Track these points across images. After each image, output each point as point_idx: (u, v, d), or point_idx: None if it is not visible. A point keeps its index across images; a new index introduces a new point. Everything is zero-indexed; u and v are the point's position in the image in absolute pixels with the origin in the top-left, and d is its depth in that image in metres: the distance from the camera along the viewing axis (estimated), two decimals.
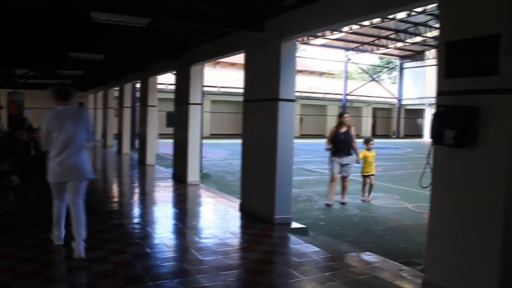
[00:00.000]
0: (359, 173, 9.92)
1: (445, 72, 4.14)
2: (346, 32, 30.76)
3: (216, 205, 8.52)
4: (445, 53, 4.16)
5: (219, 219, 7.44)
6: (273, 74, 6.85)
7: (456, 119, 3.90)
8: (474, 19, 3.92)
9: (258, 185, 7.25)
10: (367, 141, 10.06)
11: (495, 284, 3.75)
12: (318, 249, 5.61)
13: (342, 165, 9.03)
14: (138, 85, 18.60)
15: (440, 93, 4.21)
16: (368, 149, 9.80)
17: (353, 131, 9.15)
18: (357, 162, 9.38)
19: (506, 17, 3.67)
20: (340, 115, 9.44)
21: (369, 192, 9.69)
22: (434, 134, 4.13)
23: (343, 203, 9.13)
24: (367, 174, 9.70)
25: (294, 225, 6.75)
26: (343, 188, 9.26)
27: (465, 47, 3.97)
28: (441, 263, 4.23)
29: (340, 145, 8.97)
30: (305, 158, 17.30)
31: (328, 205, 8.90)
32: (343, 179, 9.17)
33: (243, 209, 7.61)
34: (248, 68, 7.79)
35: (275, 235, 6.24)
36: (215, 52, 9.40)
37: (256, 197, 7.32)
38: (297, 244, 5.86)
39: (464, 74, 3.98)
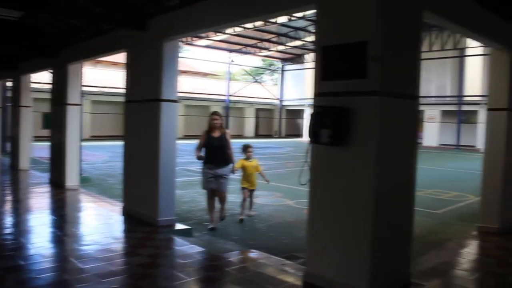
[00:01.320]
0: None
1: (322, 75, 4.39)
2: (230, 34, 31.24)
3: (97, 210, 8.16)
4: (321, 57, 4.41)
5: (101, 224, 7.15)
6: (156, 74, 6.75)
7: (331, 119, 4.15)
8: (347, 27, 4.21)
9: (141, 187, 7.09)
10: (245, 149, 8.19)
11: (367, 273, 4.06)
12: (203, 249, 5.63)
13: (216, 177, 7.09)
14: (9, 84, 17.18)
15: (317, 94, 4.45)
16: (247, 158, 8.06)
17: (228, 136, 7.28)
18: (233, 172, 7.45)
19: (373, 26, 3.99)
20: (211, 116, 7.30)
21: (250, 208, 8.16)
22: (312, 133, 4.36)
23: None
24: (247, 188, 7.99)
25: (179, 226, 6.72)
26: (220, 202, 7.39)
27: (339, 52, 4.24)
28: (320, 255, 4.47)
29: (213, 153, 7.10)
30: (188, 159, 17.18)
31: (212, 229, 7.03)
32: (217, 193, 7.23)
33: (126, 212, 7.39)
34: (130, 67, 7.58)
35: (160, 237, 6.15)
36: (95, 50, 9.00)
37: (139, 200, 7.15)
38: (181, 245, 5.83)
39: (338, 77, 4.25)
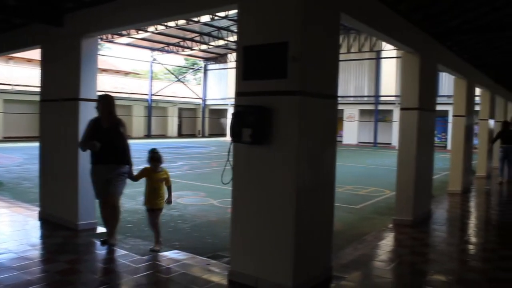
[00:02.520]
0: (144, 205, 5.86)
1: (243, 75, 4.44)
2: (152, 32, 30.69)
3: (11, 216, 7.69)
4: (242, 56, 4.46)
5: (16, 231, 6.74)
6: (73, 72, 6.50)
7: (252, 119, 4.22)
8: (267, 27, 4.29)
9: (59, 190, 6.80)
10: (152, 154, 5.77)
11: (290, 269, 4.17)
12: (126, 252, 5.49)
13: (105, 181, 5.63)
14: None
15: (239, 94, 4.49)
16: (154, 168, 5.75)
17: (124, 128, 5.77)
18: (132, 178, 5.84)
19: (292, 28, 4.09)
20: (100, 99, 5.86)
21: (157, 238, 5.76)
22: (233, 132, 4.40)
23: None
24: (152, 208, 5.73)
25: (100, 230, 6.50)
26: (110, 218, 5.76)
27: (260, 52, 4.31)
28: (244, 253, 4.53)
29: (101, 148, 5.53)
30: None
31: (103, 243, 5.75)
32: (109, 201, 5.70)
33: (43, 217, 7.05)
34: (46, 65, 7.25)
35: (80, 242, 5.93)
36: (6, 46, 8.49)
37: (57, 203, 6.86)
38: (103, 249, 5.64)
39: (259, 77, 4.32)
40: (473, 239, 7.14)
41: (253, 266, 4.45)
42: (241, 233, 4.57)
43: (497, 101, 16.88)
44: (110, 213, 5.73)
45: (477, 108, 14.20)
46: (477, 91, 13.58)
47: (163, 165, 5.87)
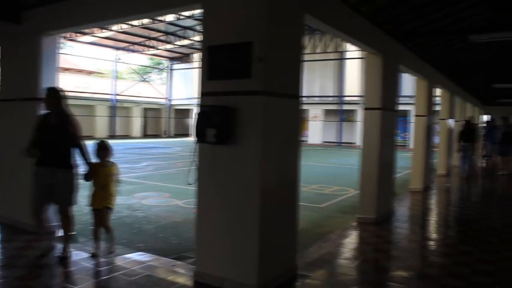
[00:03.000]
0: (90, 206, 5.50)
1: (207, 74, 4.43)
2: (116, 31, 30.18)
3: None
4: (207, 56, 4.45)
5: None
6: (32, 71, 6.34)
7: (216, 118, 4.21)
8: (232, 27, 4.29)
9: (18, 192, 6.60)
10: (99, 147, 5.35)
11: (256, 268, 4.18)
12: (88, 255, 5.38)
13: (48, 186, 5.09)
14: None
15: (203, 94, 4.48)
16: (101, 163, 5.35)
17: (73, 127, 5.10)
18: (86, 178, 5.26)
19: (257, 28, 4.11)
20: (46, 92, 5.17)
21: (111, 241, 5.58)
22: (198, 132, 4.38)
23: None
24: (99, 208, 5.38)
25: (62, 232, 6.34)
26: (64, 226, 5.33)
27: (224, 52, 4.31)
28: (209, 254, 4.52)
29: (46, 148, 5.05)
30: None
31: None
32: (60, 211, 5.25)
33: (1, 221, 6.83)
34: (4, 63, 7.01)
35: (41, 246, 5.77)
36: None
37: (16, 206, 6.65)
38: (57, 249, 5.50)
39: (224, 77, 4.32)
40: (433, 235, 7.35)
41: (218, 267, 4.44)
42: (206, 233, 4.55)
43: (456, 101, 17.40)
44: (62, 223, 5.30)
45: (437, 108, 14.62)
46: (437, 91, 13.95)
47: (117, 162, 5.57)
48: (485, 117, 26.28)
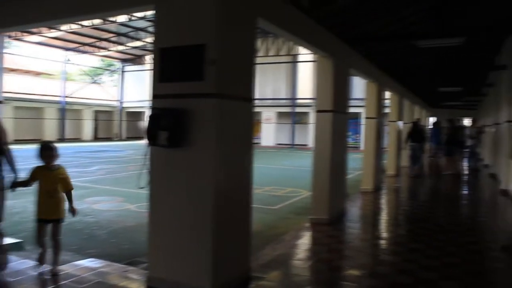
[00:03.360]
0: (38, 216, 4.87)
1: (159, 77, 4.38)
2: (66, 31, 29.35)
3: None
4: (159, 58, 4.40)
5: None
6: None
7: (168, 121, 4.16)
8: (185, 29, 4.26)
9: None
10: (43, 149, 4.76)
11: (210, 271, 4.16)
12: (36, 263, 5.19)
13: None
14: None
15: (155, 96, 4.42)
16: (46, 166, 4.75)
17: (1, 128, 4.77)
18: (21, 185, 4.79)
19: (210, 30, 4.10)
20: None
21: (55, 259, 4.84)
22: (150, 135, 4.32)
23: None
24: (47, 218, 4.76)
25: (7, 240, 6.09)
26: None
27: (177, 54, 4.27)
28: (162, 258, 4.46)
29: None
30: (20, 165, 15.85)
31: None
32: None
33: None
34: None
35: None
36: None
37: None
38: (11, 261, 5.29)
39: (176, 79, 4.29)
40: (384, 234, 7.55)
41: (171, 271, 4.38)
42: (159, 237, 4.49)
43: (405, 104, 17.96)
44: None
45: (387, 110, 15.05)
46: (387, 94, 14.36)
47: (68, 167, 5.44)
48: (432, 119, 27.25)
